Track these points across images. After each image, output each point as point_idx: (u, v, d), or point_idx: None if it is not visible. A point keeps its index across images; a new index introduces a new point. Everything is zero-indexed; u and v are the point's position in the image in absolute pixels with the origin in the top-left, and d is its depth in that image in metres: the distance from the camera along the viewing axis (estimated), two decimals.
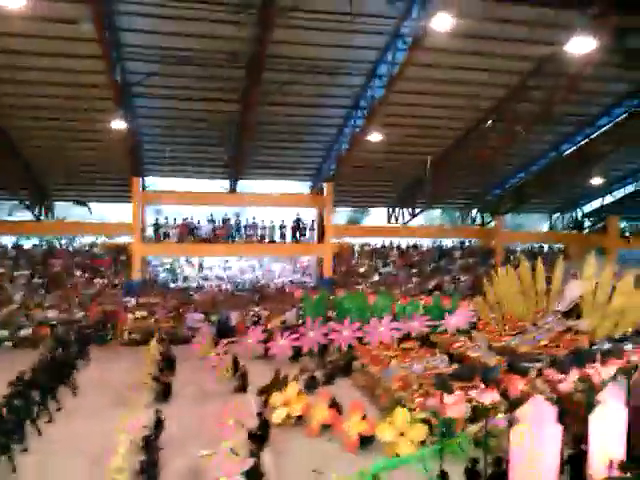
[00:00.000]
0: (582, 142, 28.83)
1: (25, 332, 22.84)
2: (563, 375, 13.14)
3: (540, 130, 26.14)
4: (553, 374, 13.49)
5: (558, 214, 39.61)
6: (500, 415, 10.83)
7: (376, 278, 32.09)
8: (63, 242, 32.01)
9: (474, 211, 37.32)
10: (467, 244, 37.15)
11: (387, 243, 35.41)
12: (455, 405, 11.77)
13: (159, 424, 12.08)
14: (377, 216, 37.20)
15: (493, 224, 35.78)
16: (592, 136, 28.17)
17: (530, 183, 32.66)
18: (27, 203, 29.59)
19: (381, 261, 34.13)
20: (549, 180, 31.12)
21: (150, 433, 11.05)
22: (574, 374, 12.79)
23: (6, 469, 10.69)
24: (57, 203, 31.68)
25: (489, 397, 12.12)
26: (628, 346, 15.95)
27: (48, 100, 22.10)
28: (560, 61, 20.01)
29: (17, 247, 30.29)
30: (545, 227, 40.17)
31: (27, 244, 31.23)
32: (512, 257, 34.21)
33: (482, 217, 36.74)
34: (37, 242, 31.48)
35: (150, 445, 10.65)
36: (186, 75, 21.52)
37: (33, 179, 28.34)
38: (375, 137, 24.06)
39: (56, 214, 31.56)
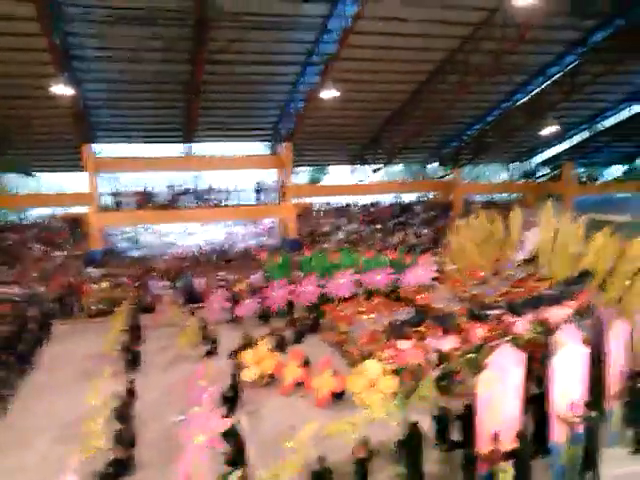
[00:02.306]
0: (535, 91, 29.12)
1: None
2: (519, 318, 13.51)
3: (493, 81, 26.27)
4: (510, 319, 13.89)
5: (516, 163, 40.23)
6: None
7: (340, 237, 32.30)
8: (17, 216, 30.92)
9: (434, 165, 37.60)
10: (427, 198, 37.58)
11: (349, 202, 35.52)
12: (412, 351, 12.06)
13: (131, 392, 12.11)
14: (337, 175, 37.20)
15: (451, 177, 36.20)
16: (544, 85, 28.49)
17: (487, 134, 33.00)
18: None
19: (344, 220, 34.32)
20: (505, 130, 31.57)
21: (123, 401, 11.07)
22: (529, 317, 13.18)
23: None
24: (6, 175, 30.44)
25: (448, 343, 12.47)
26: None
27: None
28: (509, 11, 20.02)
29: None
30: (504, 178, 40.81)
31: None
32: (471, 209, 34.84)
33: (442, 170, 37.05)
34: None
35: (124, 413, 10.69)
36: (132, 35, 20.64)
37: None
38: (330, 94, 23.75)
39: (8, 187, 30.36)
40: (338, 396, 11.91)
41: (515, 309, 14.28)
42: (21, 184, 31.04)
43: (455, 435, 9.64)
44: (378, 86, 26.47)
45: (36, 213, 31.15)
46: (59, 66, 20.48)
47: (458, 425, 9.45)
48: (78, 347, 17.68)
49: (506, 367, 8.47)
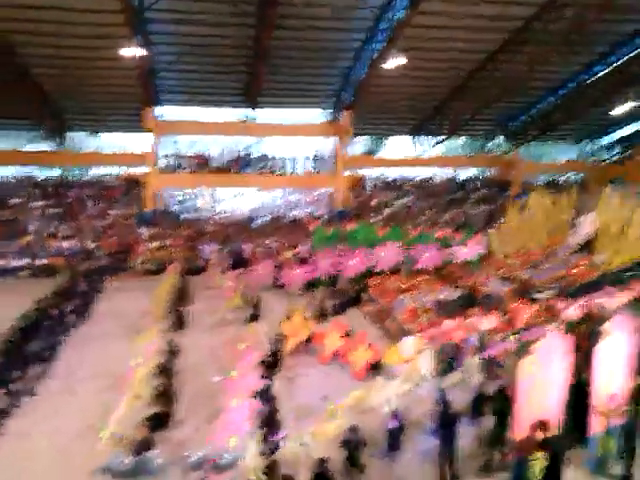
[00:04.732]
0: (617, 63, 26.53)
1: (41, 262, 23.34)
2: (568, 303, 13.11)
3: (571, 51, 24.53)
4: (559, 303, 13.49)
5: (586, 142, 37.89)
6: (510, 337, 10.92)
7: (390, 211, 31.95)
8: (77, 173, 31.96)
9: (498, 140, 36.17)
10: (486, 175, 36.44)
11: (404, 175, 34.90)
12: (455, 331, 11.93)
13: (175, 350, 12.49)
14: (396, 147, 36.32)
15: (513, 154, 34.87)
16: (627, 56, 25.85)
17: (558, 108, 30.90)
18: (45, 134, 29.42)
19: (396, 193, 33.88)
20: (578, 105, 29.46)
21: (167, 358, 11.42)
22: (579, 303, 12.76)
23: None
24: (72, 134, 31.34)
25: (488, 322, 12.26)
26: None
27: (64, 27, 21.29)
28: None
29: (32, 178, 30.38)
30: (572, 157, 38.27)
31: (42, 175, 31.28)
32: (530, 189, 33.65)
33: (507, 146, 35.58)
34: (52, 173, 31.51)
35: (167, 370, 11.04)
36: None
37: (50, 109, 28.00)
38: (396, 62, 22.97)
39: (72, 145, 31.30)
40: (374, 369, 11.92)
41: (568, 294, 13.87)
42: (85, 143, 31.94)
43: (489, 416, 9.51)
44: (446, 54, 25.40)
45: (97, 172, 32.03)
46: (132, 27, 20.66)
47: (492, 407, 9.30)
48: (127, 303, 18.32)
49: (552, 354, 8.18)
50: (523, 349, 8.87)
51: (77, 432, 9.71)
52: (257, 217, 31.41)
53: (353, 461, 8.15)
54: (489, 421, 8.92)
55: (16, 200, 28.02)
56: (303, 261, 20.74)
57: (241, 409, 8.95)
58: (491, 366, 10.34)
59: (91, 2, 19.81)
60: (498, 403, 8.83)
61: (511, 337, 10.71)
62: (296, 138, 31.82)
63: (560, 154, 38.59)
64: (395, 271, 19.33)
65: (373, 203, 32.75)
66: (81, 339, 15.05)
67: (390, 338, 14.02)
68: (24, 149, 30.74)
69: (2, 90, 23.79)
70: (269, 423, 8.93)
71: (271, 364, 11.83)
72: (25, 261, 23.56)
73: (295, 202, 33.80)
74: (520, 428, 7.85)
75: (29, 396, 11.25)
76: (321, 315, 15.77)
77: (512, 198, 28.50)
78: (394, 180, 34.85)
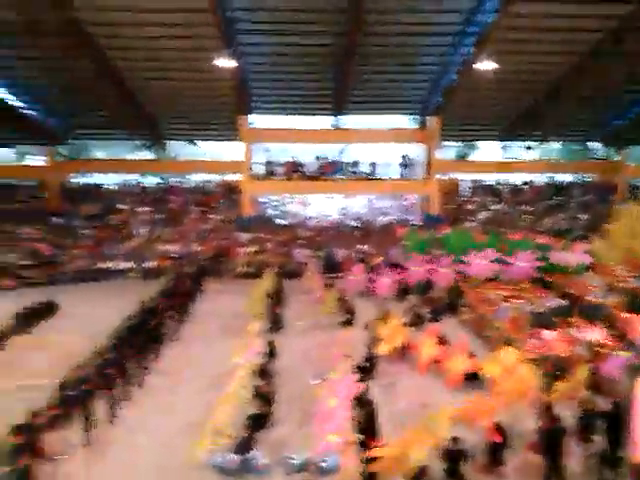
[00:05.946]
0: None
1: (149, 264, 24.86)
2: None
3: None
4: None
5: None
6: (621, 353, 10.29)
7: (485, 216, 31.06)
8: (177, 180, 33.62)
9: (595, 144, 34.42)
10: (586, 180, 34.61)
11: (497, 180, 33.88)
12: (557, 342, 11.36)
13: (272, 352, 12.81)
14: (487, 152, 35.43)
15: (617, 158, 32.89)
16: None
17: None
18: (147, 143, 31.27)
19: (490, 199, 32.89)
20: None
21: (265, 360, 11.73)
22: None
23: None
24: (172, 143, 33.02)
25: (594, 334, 11.58)
26: None
27: (160, 42, 22.61)
28: None
29: (138, 185, 32.39)
30: None
31: (145, 182, 33.23)
32: (636, 195, 31.56)
33: (606, 151, 33.77)
34: (154, 180, 33.38)
35: (265, 371, 11.34)
36: (289, 9, 21.21)
37: (152, 120, 29.72)
38: (486, 65, 22.44)
39: (170, 153, 33.01)
40: (471, 379, 11.61)
41: None
42: (182, 151, 33.56)
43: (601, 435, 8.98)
44: (537, 57, 24.58)
45: (196, 178, 33.56)
46: (224, 40, 21.56)
47: (605, 425, 8.78)
48: (225, 305, 19.03)
49: None
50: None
51: (179, 428, 10.14)
52: (347, 222, 31.59)
53: (453, 473, 7.98)
54: (599, 439, 8.43)
55: (124, 206, 29.90)
56: (395, 267, 20.57)
57: (339, 413, 9.03)
58: (602, 381, 9.77)
59: (187, 17, 20.74)
60: (611, 421, 8.33)
61: (626, 353, 10.08)
62: (383, 144, 31.69)
63: None
64: (493, 278, 18.73)
65: (467, 208, 31.98)
66: (184, 338, 15.79)
67: (489, 348, 13.62)
68: (129, 158, 32.82)
69: (109, 104, 25.59)
70: (367, 428, 8.94)
71: (367, 369, 11.85)
72: (133, 263, 25.19)
73: (384, 208, 33.69)
74: (638, 450, 7.37)
75: (136, 390, 11.94)
76: (415, 322, 15.58)
77: (617, 203, 26.81)
78: (489, 185, 33.85)
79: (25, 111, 26.71)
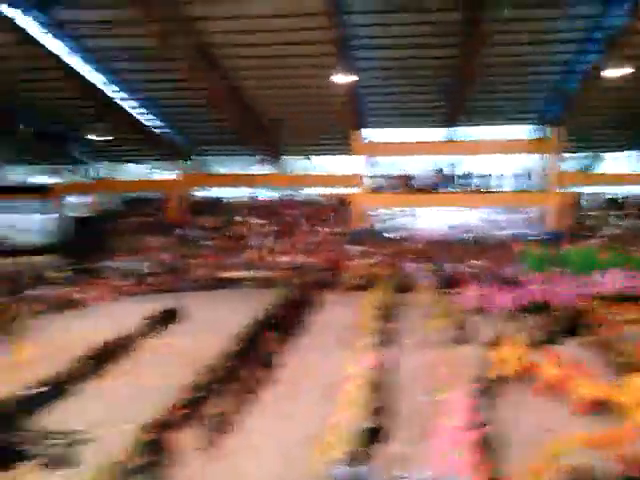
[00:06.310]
0: None
1: (264, 274, 25.90)
2: None
3: None
4: None
5: None
6: None
7: (609, 232, 29.08)
8: (291, 193, 34.69)
9: None
10: None
11: (625, 194, 31.62)
12: None
13: (385, 366, 12.84)
14: (612, 163, 33.16)
15: None
16: None
17: None
18: (264, 159, 32.63)
19: (615, 213, 30.75)
20: None
21: (378, 373, 11.80)
22: None
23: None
24: (285, 157, 34.21)
25: None
26: None
27: (280, 61, 23.60)
28: None
29: (254, 198, 33.91)
30: None
31: (261, 196, 34.71)
32: None
33: None
34: (269, 194, 34.74)
35: (379, 385, 11.41)
36: (404, 23, 21.29)
37: (268, 137, 31.00)
38: (615, 72, 21.09)
39: (285, 168, 34.15)
40: (599, 405, 10.92)
41: None
42: (295, 165, 34.62)
43: None
44: None
45: (308, 192, 34.46)
46: (340, 56, 22.07)
47: None
48: (337, 317, 19.32)
49: None
50: None
51: (297, 438, 10.35)
52: (460, 236, 30.88)
53: None
54: None
55: (242, 218, 31.39)
56: (512, 284, 19.85)
57: (456, 433, 8.89)
58: None
59: (305, 35, 21.44)
60: None
61: None
62: (498, 155, 30.73)
63: None
64: (620, 299, 17.52)
65: (589, 223, 30.14)
66: (300, 348, 16.21)
67: (614, 373, 12.77)
68: (247, 172, 34.37)
69: (232, 123, 27.14)
70: (486, 450, 8.72)
71: (484, 389, 11.54)
72: (249, 273, 26.35)
73: (500, 221, 32.55)
74: None
75: (256, 398, 12.43)
76: (535, 343, 14.92)
77: None
78: (614, 198, 31.68)
79: (157, 130, 28.94)
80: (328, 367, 13.77)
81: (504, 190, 29.73)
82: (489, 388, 11.68)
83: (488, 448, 8.70)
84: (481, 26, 20.10)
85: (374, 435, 10.00)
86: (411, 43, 22.59)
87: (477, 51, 21.63)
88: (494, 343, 14.11)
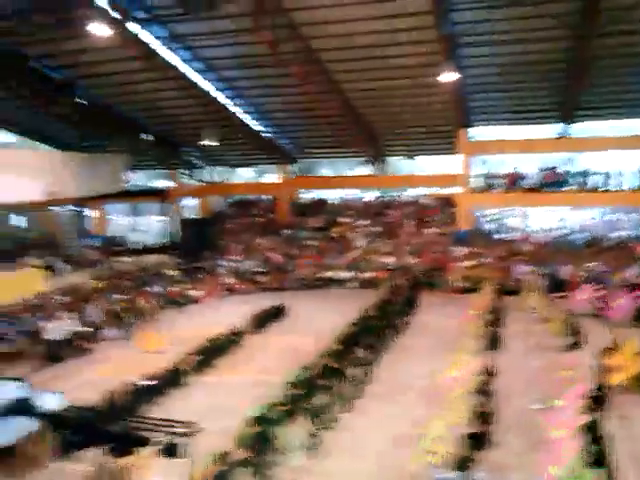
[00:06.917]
0: None
1: (367, 275, 26.14)
2: None
3: None
4: None
5: None
6: None
7: None
8: (394, 194, 34.55)
9: None
10: None
11: None
12: None
13: (491, 370, 12.52)
14: None
15: None
16: None
17: None
18: (368, 160, 32.85)
19: None
20: None
21: (484, 379, 11.54)
22: None
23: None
24: (389, 158, 34.13)
25: None
26: None
27: (385, 61, 23.50)
28: None
29: (359, 199, 34.24)
30: None
31: (365, 197, 34.97)
32: None
33: None
34: (374, 194, 34.88)
35: (484, 390, 11.16)
36: (513, 17, 20.50)
37: (372, 139, 31.10)
38: None
39: (388, 168, 34.06)
40: None
41: None
42: (399, 165, 34.40)
43: None
44: None
45: (412, 192, 34.15)
46: (446, 55, 21.67)
47: None
48: (442, 319, 19.04)
49: None
50: None
51: (396, 439, 10.45)
52: (573, 237, 29.21)
53: None
54: None
55: (345, 219, 31.79)
56: (632, 288, 18.53)
57: (566, 444, 8.50)
58: None
59: (410, 35, 21.14)
60: None
61: None
62: (617, 152, 28.63)
63: None
64: None
65: None
66: (401, 349, 16.22)
67: None
68: (351, 174, 34.89)
69: (336, 125, 27.57)
70: (599, 464, 8.27)
71: (598, 399, 10.93)
72: (352, 274, 26.68)
73: (619, 222, 30.38)
74: None
75: (357, 397, 12.60)
76: None
77: None
78: None
79: (264, 134, 30.05)
80: (429, 369, 13.67)
81: (623, 189, 27.66)
82: (603, 398, 11.04)
83: (599, 461, 8.26)
84: (597, 18, 18.90)
85: (477, 441, 9.81)
86: (521, 38, 21.71)
87: (592, 43, 20.36)
88: (610, 349, 13.30)
